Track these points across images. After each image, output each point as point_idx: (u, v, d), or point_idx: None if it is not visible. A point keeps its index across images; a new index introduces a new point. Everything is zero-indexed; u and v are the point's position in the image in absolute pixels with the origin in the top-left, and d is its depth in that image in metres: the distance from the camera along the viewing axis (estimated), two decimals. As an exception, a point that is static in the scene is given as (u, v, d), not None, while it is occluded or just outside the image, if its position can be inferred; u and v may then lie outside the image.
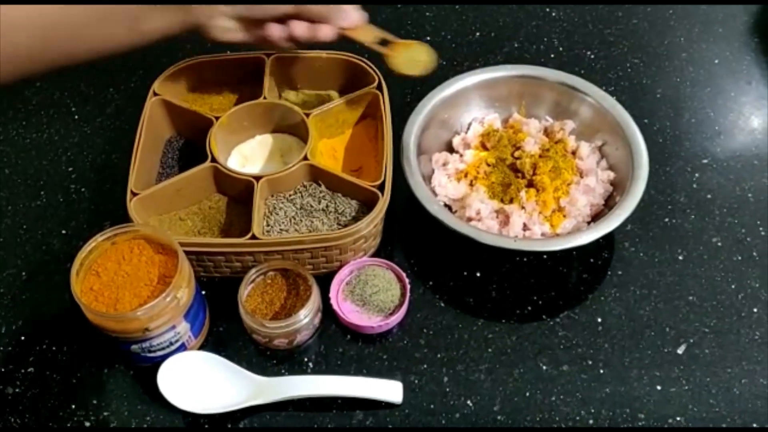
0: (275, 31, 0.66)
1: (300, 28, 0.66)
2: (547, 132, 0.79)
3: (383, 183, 0.68)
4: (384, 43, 0.71)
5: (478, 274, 0.71)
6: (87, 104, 0.87)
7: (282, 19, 0.66)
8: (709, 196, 0.77)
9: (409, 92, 0.84)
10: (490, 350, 0.67)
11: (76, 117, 0.86)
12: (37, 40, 0.55)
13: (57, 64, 0.58)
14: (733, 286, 0.70)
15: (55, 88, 0.88)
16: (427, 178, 0.74)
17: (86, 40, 0.59)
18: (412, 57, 0.72)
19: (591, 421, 0.62)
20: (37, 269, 0.72)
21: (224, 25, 0.64)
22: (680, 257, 0.73)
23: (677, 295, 0.70)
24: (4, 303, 0.70)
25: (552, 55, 0.92)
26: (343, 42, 0.92)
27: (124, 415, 0.63)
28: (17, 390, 0.64)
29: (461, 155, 0.77)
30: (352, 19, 0.68)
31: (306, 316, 0.64)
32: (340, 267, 0.69)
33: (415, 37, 0.94)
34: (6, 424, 0.62)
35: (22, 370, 0.65)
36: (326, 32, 0.67)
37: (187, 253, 0.62)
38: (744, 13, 0.97)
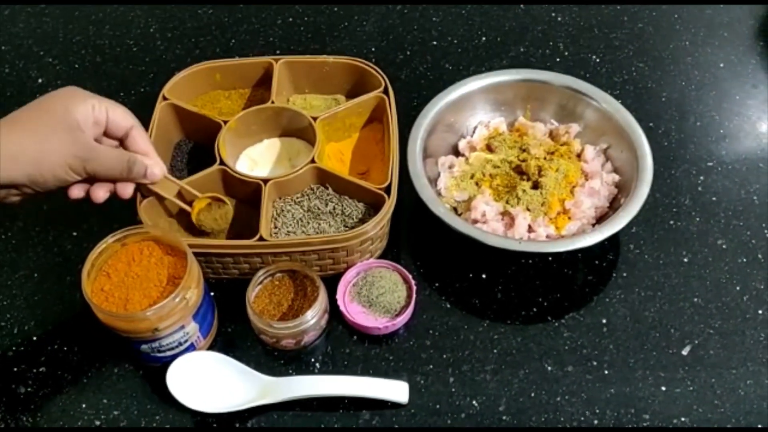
0: (76, 192, 0.61)
1: (99, 193, 0.61)
2: (552, 135, 0.79)
3: (389, 186, 0.69)
4: (185, 199, 0.70)
5: (484, 276, 0.72)
6: (98, 109, 0.88)
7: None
8: (714, 198, 0.78)
9: (416, 96, 0.85)
10: (495, 351, 0.67)
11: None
12: None
13: None
14: (737, 288, 0.71)
15: (66, 93, 0.90)
16: (433, 181, 0.74)
17: None
18: (213, 213, 0.70)
19: (596, 422, 0.63)
20: (49, 271, 0.73)
21: (18, 198, 0.59)
22: (685, 259, 0.73)
23: (682, 296, 0.70)
24: (17, 304, 0.71)
25: (558, 59, 0.93)
26: (350, 47, 0.94)
27: (133, 414, 0.64)
28: (29, 389, 0.65)
29: (467, 158, 0.77)
30: (150, 178, 0.62)
31: (313, 317, 0.65)
32: (346, 269, 0.70)
33: (422, 42, 0.95)
34: (18, 423, 0.63)
35: (34, 370, 0.66)
36: (128, 192, 0.62)
37: (195, 254, 0.63)
38: (749, 17, 0.97)
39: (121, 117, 0.60)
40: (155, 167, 0.63)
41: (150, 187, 0.66)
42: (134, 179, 0.61)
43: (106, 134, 0.61)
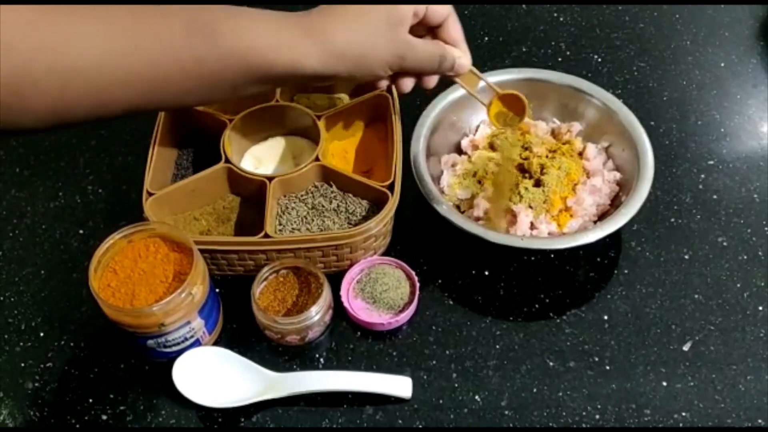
0: (382, 84, 0.64)
1: (406, 85, 0.64)
2: (554, 134, 0.80)
3: (393, 183, 0.70)
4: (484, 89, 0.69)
5: (486, 273, 0.73)
6: (104, 108, 0.89)
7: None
8: (714, 196, 0.78)
9: (419, 95, 0.85)
10: (498, 347, 0.68)
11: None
12: (135, 96, 0.51)
13: (140, 113, 0.54)
14: (738, 285, 0.71)
15: (72, 92, 0.90)
16: (436, 179, 0.75)
17: (182, 100, 0.54)
18: (506, 110, 0.70)
19: (597, 417, 0.63)
20: (56, 268, 0.74)
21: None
22: (686, 256, 0.73)
23: (683, 293, 0.71)
24: (24, 301, 0.72)
25: (559, 59, 0.93)
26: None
27: (140, 408, 0.64)
28: (36, 384, 0.66)
29: (469, 156, 0.78)
30: (457, 70, 0.64)
31: (317, 313, 0.66)
32: (350, 265, 0.70)
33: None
34: (26, 418, 0.64)
35: (41, 366, 0.67)
36: (433, 83, 0.65)
37: (201, 251, 0.64)
38: (750, 16, 0.98)
39: (439, 7, 0.60)
40: (463, 59, 0.63)
41: (454, 78, 0.66)
42: (442, 73, 0.63)
43: (420, 23, 0.60)
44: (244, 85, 0.54)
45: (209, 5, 0.53)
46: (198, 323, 0.64)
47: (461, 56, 0.63)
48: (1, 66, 0.43)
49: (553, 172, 0.73)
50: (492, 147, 0.78)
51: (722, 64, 0.92)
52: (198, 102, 0.61)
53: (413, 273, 0.70)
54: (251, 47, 0.53)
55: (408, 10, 0.58)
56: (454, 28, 0.62)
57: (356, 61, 0.57)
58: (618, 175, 0.75)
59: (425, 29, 0.62)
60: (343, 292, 0.69)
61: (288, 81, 0.57)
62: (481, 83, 0.68)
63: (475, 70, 0.66)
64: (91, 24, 0.48)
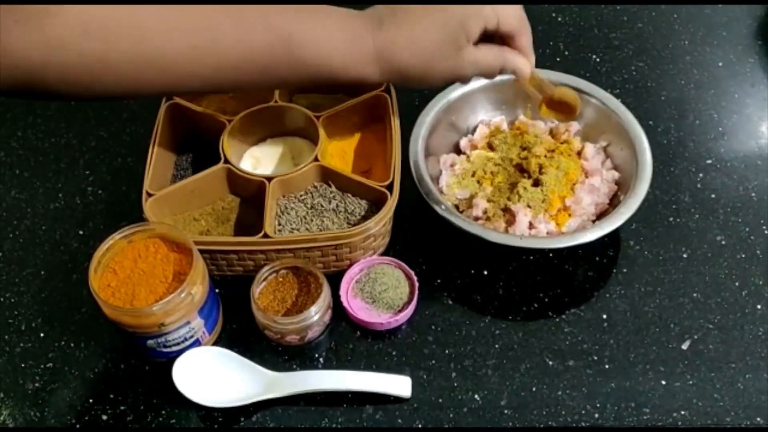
0: None
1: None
2: (552, 133, 0.80)
3: (392, 183, 0.70)
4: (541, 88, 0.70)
5: (485, 272, 0.73)
6: (104, 109, 0.89)
7: None
8: (713, 195, 0.79)
9: (417, 95, 0.86)
10: (497, 346, 0.68)
11: (93, 122, 0.88)
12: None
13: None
14: (737, 284, 0.71)
15: (72, 93, 0.91)
16: (435, 179, 0.75)
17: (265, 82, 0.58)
18: (561, 105, 0.72)
19: (596, 415, 0.63)
20: (56, 268, 0.74)
21: None
22: (684, 255, 0.74)
23: (681, 292, 0.71)
24: (24, 301, 0.72)
25: (558, 59, 0.93)
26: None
27: (140, 408, 0.65)
28: (37, 385, 0.66)
29: (468, 156, 0.78)
30: (525, 71, 0.63)
31: (317, 313, 0.66)
32: (349, 265, 0.71)
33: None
34: (26, 418, 0.64)
35: (42, 366, 0.67)
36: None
37: (201, 251, 0.64)
38: (748, 16, 0.98)
39: (511, 17, 0.60)
40: (525, 68, 0.63)
41: (522, 80, 0.65)
42: (510, 71, 0.63)
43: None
44: (303, 85, 0.57)
45: (283, 5, 0.55)
46: (198, 323, 0.64)
47: (524, 65, 0.63)
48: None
49: (552, 172, 0.73)
50: (491, 147, 0.78)
51: (720, 64, 0.93)
52: (250, 87, 0.62)
53: (412, 273, 0.70)
54: (323, 63, 0.56)
55: (477, 28, 0.58)
56: (524, 36, 0.62)
57: (419, 78, 0.59)
58: (616, 174, 0.75)
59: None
60: (342, 292, 0.69)
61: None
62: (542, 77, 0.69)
63: (535, 71, 0.65)
64: (174, 19, 0.52)
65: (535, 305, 0.70)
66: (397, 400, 0.64)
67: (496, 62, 0.61)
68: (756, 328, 0.68)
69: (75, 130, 0.87)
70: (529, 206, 0.72)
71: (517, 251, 0.73)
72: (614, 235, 0.72)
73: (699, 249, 0.74)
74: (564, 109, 0.72)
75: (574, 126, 0.79)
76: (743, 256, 0.73)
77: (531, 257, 0.74)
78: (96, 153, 0.85)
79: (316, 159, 0.72)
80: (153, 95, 0.56)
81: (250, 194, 0.73)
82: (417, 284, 0.69)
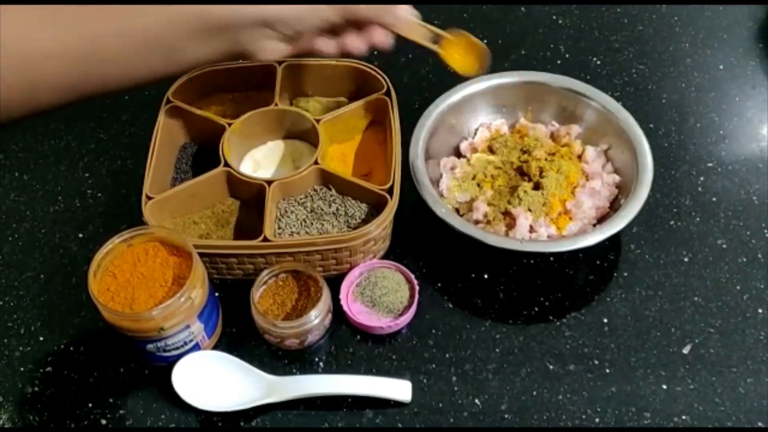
0: (326, 46, 0.61)
1: (354, 42, 0.62)
2: (553, 137, 0.80)
3: (392, 187, 0.70)
4: (436, 39, 0.67)
5: (486, 276, 0.73)
6: (103, 112, 0.89)
7: (332, 30, 0.61)
8: (714, 199, 0.78)
9: (418, 98, 0.86)
10: (497, 350, 0.68)
11: (93, 124, 0.88)
12: (70, 70, 0.51)
13: (88, 94, 0.54)
14: (738, 288, 0.71)
15: (72, 96, 0.91)
16: (435, 182, 0.75)
17: (121, 70, 0.54)
18: (464, 54, 0.68)
19: (597, 420, 0.63)
20: (55, 272, 0.74)
21: (271, 47, 0.59)
22: (686, 259, 0.73)
23: (683, 296, 0.71)
24: (23, 305, 0.72)
25: (558, 62, 0.93)
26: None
27: (139, 413, 0.64)
28: (36, 389, 0.66)
29: (468, 159, 0.78)
30: (403, 17, 0.62)
31: (317, 317, 0.66)
32: (350, 269, 0.70)
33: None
34: (25, 422, 0.64)
35: (41, 370, 0.67)
36: (380, 38, 0.62)
37: (200, 255, 0.64)
38: (748, 18, 0.98)
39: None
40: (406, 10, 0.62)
41: (402, 34, 0.63)
42: (389, 23, 0.61)
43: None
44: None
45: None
46: (197, 327, 0.63)
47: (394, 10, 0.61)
48: None
49: (552, 175, 0.73)
50: (491, 150, 0.78)
51: (721, 66, 0.92)
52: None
53: (413, 276, 0.70)
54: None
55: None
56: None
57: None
58: (617, 177, 0.75)
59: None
60: (342, 296, 0.69)
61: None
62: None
63: (419, 22, 0.64)
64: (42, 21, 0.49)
65: (536, 309, 0.70)
66: (398, 404, 0.64)
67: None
68: (757, 332, 0.68)
69: (74, 133, 0.87)
70: (529, 210, 0.71)
71: (518, 255, 0.73)
72: (615, 238, 0.72)
73: (700, 253, 0.74)
74: (469, 56, 0.68)
75: (575, 129, 0.78)
76: (744, 259, 0.73)
77: (531, 261, 0.73)
78: (95, 155, 0.85)
79: (316, 162, 0.72)
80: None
81: (250, 197, 0.73)
82: (417, 288, 0.69)
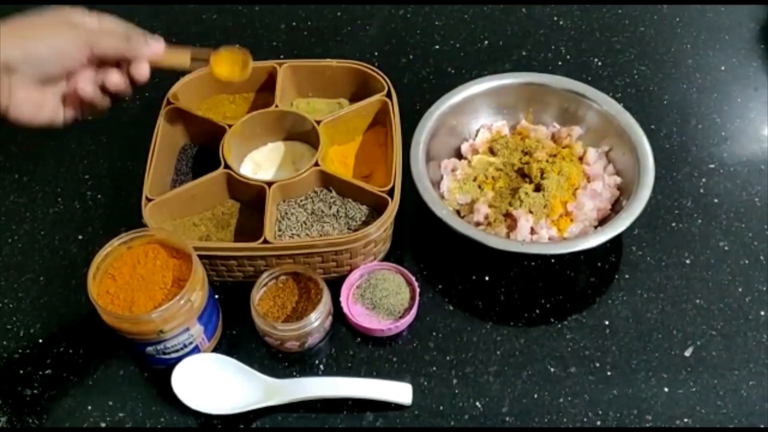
0: (83, 85, 0.57)
1: (113, 77, 0.58)
2: (554, 138, 0.80)
3: (392, 188, 0.70)
4: (200, 58, 0.65)
5: (487, 278, 0.72)
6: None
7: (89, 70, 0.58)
8: (716, 200, 0.78)
9: (418, 100, 0.86)
10: (498, 353, 0.67)
11: (93, 126, 0.87)
12: None
13: None
14: (740, 290, 0.71)
15: (72, 97, 0.90)
16: (436, 184, 0.75)
17: None
18: (231, 64, 0.67)
19: (599, 423, 0.63)
20: (55, 274, 0.74)
21: (23, 96, 0.54)
22: (687, 261, 0.73)
23: (684, 298, 0.71)
24: (23, 307, 0.71)
25: (560, 63, 0.93)
26: (353, 51, 0.95)
27: (139, 415, 0.64)
28: (35, 391, 0.66)
29: (469, 161, 0.78)
30: (154, 46, 0.60)
31: (317, 319, 0.65)
32: (350, 271, 0.70)
33: (424, 45, 0.96)
34: (24, 425, 0.64)
35: (40, 372, 0.67)
36: (141, 71, 0.59)
37: (200, 257, 0.64)
38: (750, 20, 0.97)
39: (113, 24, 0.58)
40: (157, 38, 0.60)
41: (162, 63, 0.61)
42: (136, 53, 0.58)
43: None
44: None
45: None
46: (197, 330, 0.63)
47: (151, 38, 0.59)
48: None
49: (554, 177, 0.73)
50: (492, 151, 0.78)
51: (723, 68, 0.92)
52: None
53: (413, 278, 0.70)
54: None
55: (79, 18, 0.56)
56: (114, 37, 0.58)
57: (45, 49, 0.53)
58: (618, 179, 0.74)
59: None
60: (342, 298, 0.69)
61: None
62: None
63: (174, 47, 0.62)
64: None
65: (537, 311, 0.70)
66: (398, 407, 0.64)
67: (119, 30, 0.57)
68: (759, 335, 0.68)
69: (74, 135, 0.87)
70: (530, 211, 0.71)
71: (519, 257, 0.73)
72: (616, 240, 0.72)
73: (702, 255, 0.74)
74: (235, 65, 0.67)
75: (576, 130, 0.78)
76: (746, 261, 0.73)
77: (532, 263, 0.73)
78: (95, 157, 0.84)
79: (316, 164, 0.72)
80: None
81: (250, 199, 0.73)
82: (418, 290, 0.69)
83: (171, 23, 1.00)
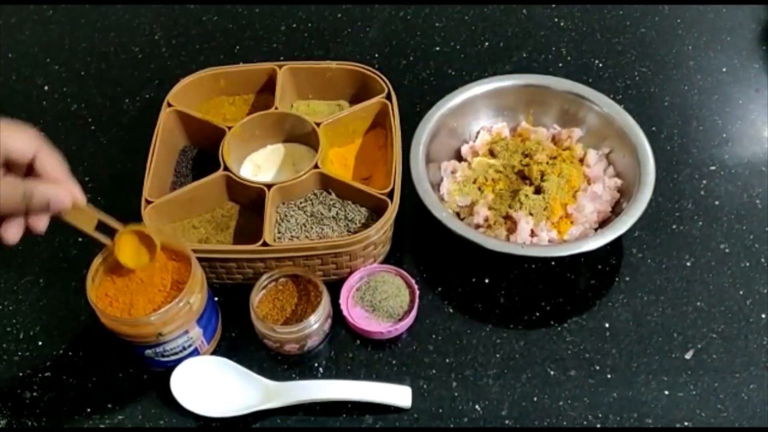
0: None
1: (10, 230, 0.53)
2: (554, 140, 0.80)
3: (392, 191, 0.69)
4: (106, 229, 0.60)
5: (487, 281, 0.72)
6: (103, 116, 0.89)
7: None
8: (716, 202, 0.78)
9: (418, 101, 0.86)
10: (498, 355, 0.67)
11: (93, 128, 0.88)
12: None
13: None
14: (741, 292, 0.71)
15: (72, 100, 0.90)
16: (436, 186, 0.75)
17: None
18: (138, 246, 0.61)
19: (599, 426, 0.63)
20: (54, 276, 0.74)
21: None
22: (688, 263, 0.73)
23: (685, 300, 0.70)
24: (22, 309, 0.71)
25: (560, 64, 0.93)
26: (353, 53, 0.95)
27: (138, 418, 0.64)
28: (34, 394, 0.66)
29: (469, 163, 0.78)
30: (79, 198, 0.55)
31: (316, 322, 0.65)
32: (350, 273, 0.70)
33: (425, 47, 0.96)
34: (24, 427, 0.64)
35: (40, 375, 0.67)
36: (37, 224, 0.54)
37: (199, 259, 0.64)
38: (751, 21, 0.97)
39: (20, 144, 0.52)
40: (63, 195, 0.53)
41: (64, 218, 0.56)
42: (36, 211, 0.53)
43: (6, 165, 0.52)
44: None
45: None
46: (196, 332, 0.63)
47: (60, 194, 0.53)
48: None
49: (554, 179, 0.72)
50: (492, 153, 0.78)
51: (724, 69, 0.92)
52: None
53: (413, 281, 0.69)
54: None
55: None
56: (48, 163, 0.53)
57: None
58: (619, 181, 0.74)
59: (19, 168, 0.53)
60: (342, 300, 0.69)
61: None
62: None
63: (88, 206, 0.58)
64: None
65: (537, 314, 0.70)
66: (397, 410, 0.64)
67: (17, 187, 0.51)
68: (760, 338, 0.67)
69: (74, 136, 0.87)
70: (530, 214, 0.71)
71: (519, 259, 0.73)
72: (617, 242, 0.72)
73: (703, 257, 0.73)
74: (146, 243, 0.61)
75: (577, 132, 0.78)
76: (747, 264, 0.73)
77: (532, 265, 0.73)
78: (95, 159, 0.84)
79: (316, 166, 0.72)
80: None
81: (249, 201, 0.73)
82: (417, 292, 0.69)
83: (171, 26, 1.00)
